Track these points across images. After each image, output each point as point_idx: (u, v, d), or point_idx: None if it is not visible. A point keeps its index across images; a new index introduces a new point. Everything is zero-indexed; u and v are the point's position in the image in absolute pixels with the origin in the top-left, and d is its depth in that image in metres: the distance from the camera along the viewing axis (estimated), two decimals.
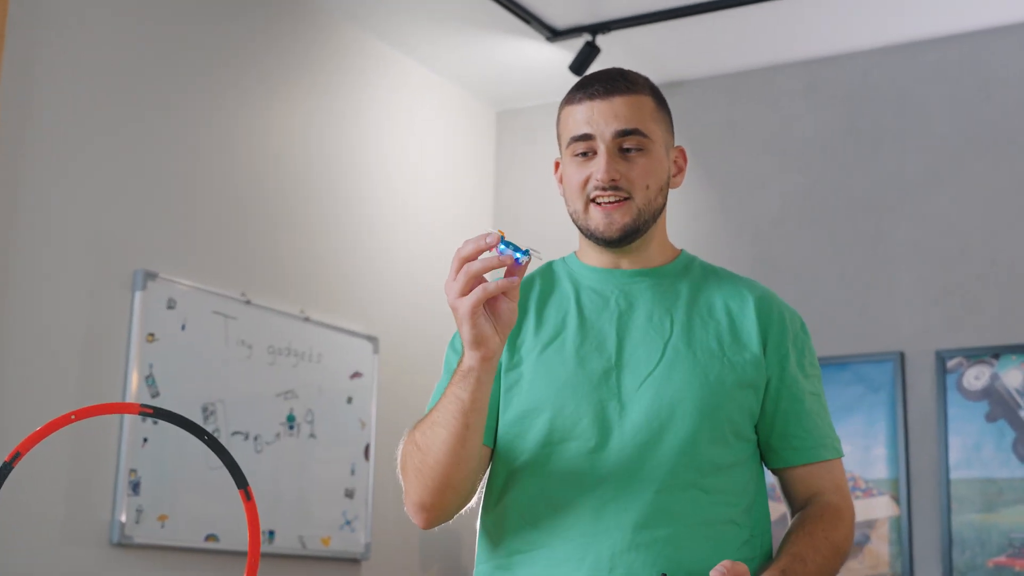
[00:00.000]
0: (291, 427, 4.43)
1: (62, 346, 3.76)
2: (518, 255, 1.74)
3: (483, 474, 1.99)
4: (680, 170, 2.08)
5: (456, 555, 5.17)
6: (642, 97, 2.01)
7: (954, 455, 4.56)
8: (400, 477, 1.95)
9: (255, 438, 4.29)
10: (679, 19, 4.81)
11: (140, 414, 1.79)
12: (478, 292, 1.74)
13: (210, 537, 4.07)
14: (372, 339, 4.83)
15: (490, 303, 1.77)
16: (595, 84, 2.00)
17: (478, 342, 1.78)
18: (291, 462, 4.43)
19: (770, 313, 2.02)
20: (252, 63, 4.53)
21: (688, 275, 2.06)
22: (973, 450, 4.54)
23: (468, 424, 1.84)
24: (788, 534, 1.95)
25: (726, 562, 1.76)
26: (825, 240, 4.98)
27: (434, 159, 5.38)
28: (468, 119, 5.61)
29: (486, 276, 1.76)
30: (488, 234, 1.73)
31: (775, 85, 5.23)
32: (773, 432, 2.01)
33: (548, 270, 2.11)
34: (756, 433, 2.02)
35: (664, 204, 2.03)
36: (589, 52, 4.89)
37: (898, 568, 4.57)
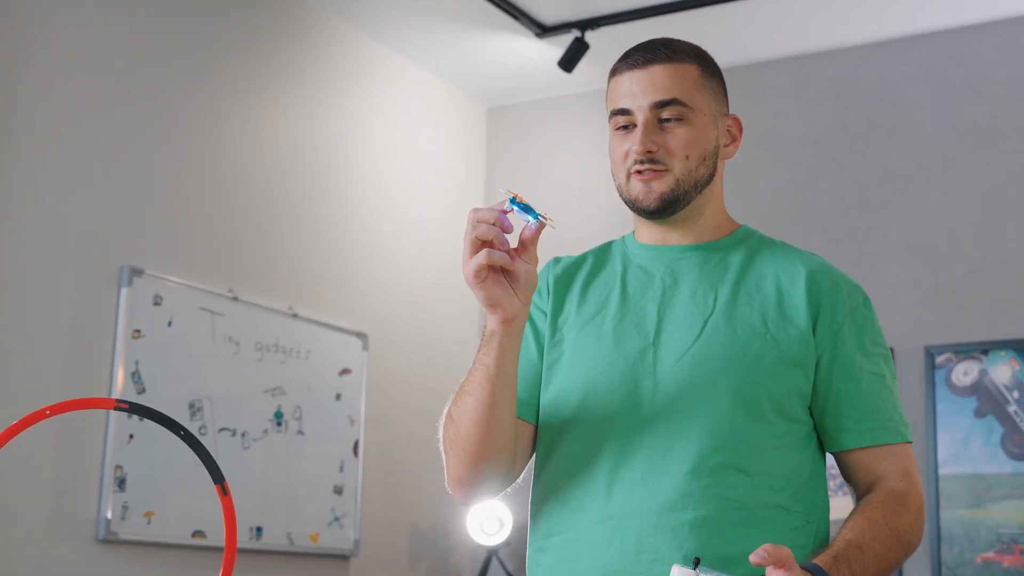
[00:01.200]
0: (279, 424, 4.43)
1: (48, 342, 3.75)
2: (530, 217, 1.74)
3: (524, 451, 1.95)
4: (734, 139, 2.02)
5: (445, 551, 5.17)
6: (685, 65, 1.94)
7: (943, 451, 4.56)
8: (442, 454, 1.93)
9: (243, 435, 4.28)
10: (667, 15, 4.81)
11: (116, 409, 1.78)
12: (480, 257, 1.74)
13: (197, 533, 4.06)
14: (361, 335, 4.82)
15: (505, 269, 1.77)
16: (636, 54, 1.95)
17: (492, 304, 1.77)
18: (279, 459, 4.42)
19: (822, 287, 1.91)
20: (241, 60, 4.52)
21: (742, 249, 1.98)
22: (962, 446, 4.54)
23: (494, 391, 1.81)
24: (847, 520, 1.84)
25: (767, 546, 1.62)
26: (815, 236, 4.97)
27: (424, 155, 5.37)
28: (458, 115, 5.60)
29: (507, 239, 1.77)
30: (502, 201, 1.74)
31: (765, 81, 5.22)
32: (827, 413, 1.89)
33: (605, 249, 2.07)
34: (811, 414, 1.91)
35: (711, 174, 1.96)
36: (578, 48, 4.88)
37: None
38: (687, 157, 1.92)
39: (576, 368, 1.93)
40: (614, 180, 1.99)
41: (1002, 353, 4.54)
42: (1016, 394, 4.49)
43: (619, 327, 1.93)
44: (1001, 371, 4.53)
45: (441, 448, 1.92)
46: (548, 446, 1.94)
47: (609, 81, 2.00)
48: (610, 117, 1.97)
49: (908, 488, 1.87)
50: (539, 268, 1.88)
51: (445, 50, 5.21)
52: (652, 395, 1.86)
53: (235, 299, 4.31)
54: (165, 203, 4.17)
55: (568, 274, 2.03)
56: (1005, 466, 4.47)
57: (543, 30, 4.95)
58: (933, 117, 4.87)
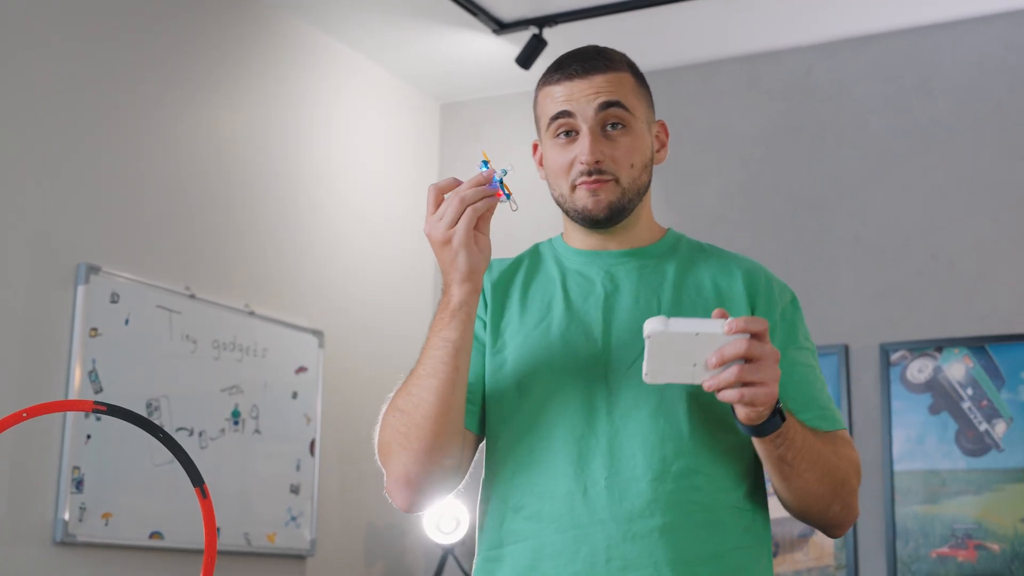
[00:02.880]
0: (236, 423, 4.39)
1: (3, 341, 3.69)
2: (497, 180, 1.78)
3: (468, 457, 1.93)
4: (663, 145, 2.04)
5: (400, 551, 5.15)
6: (621, 74, 1.97)
7: (898, 447, 4.61)
8: (380, 462, 1.89)
9: (200, 434, 4.24)
10: (624, 13, 4.81)
11: (94, 411, 1.75)
12: (469, 214, 1.75)
13: (155, 535, 4.02)
14: (317, 333, 4.79)
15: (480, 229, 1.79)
16: (573, 63, 1.96)
17: (473, 271, 1.78)
18: (236, 458, 4.38)
19: (757, 285, 1.97)
20: (195, 57, 4.47)
21: (675, 254, 2.01)
22: (916, 442, 4.59)
23: (458, 367, 1.81)
24: None
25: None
26: (766, 236, 5.00)
27: (378, 153, 5.35)
28: (412, 112, 5.58)
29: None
30: (483, 171, 1.76)
31: (716, 80, 5.24)
32: None
33: (534, 252, 2.06)
34: None
35: (649, 181, 1.99)
36: (536, 45, 4.88)
37: (843, 559, 4.61)
38: (632, 165, 1.94)
39: (524, 375, 1.91)
40: (552, 190, 1.99)
41: (956, 351, 4.59)
42: (970, 391, 4.54)
43: (567, 333, 1.92)
44: (955, 368, 4.58)
45: (378, 458, 1.89)
46: (497, 454, 1.93)
47: (540, 91, 2.01)
48: (548, 124, 1.96)
49: (850, 452, 1.91)
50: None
51: (400, 46, 5.18)
52: (607, 402, 1.87)
53: (192, 297, 4.27)
54: (122, 200, 4.12)
55: (505, 279, 2.02)
56: (959, 462, 4.52)
57: (500, 27, 4.93)
58: (884, 117, 4.91)
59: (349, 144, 5.16)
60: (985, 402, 4.52)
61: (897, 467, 4.59)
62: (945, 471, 4.53)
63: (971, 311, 4.62)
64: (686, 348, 1.67)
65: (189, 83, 4.43)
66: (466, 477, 1.95)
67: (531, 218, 5.21)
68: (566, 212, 1.99)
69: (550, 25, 4.88)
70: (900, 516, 4.55)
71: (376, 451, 1.90)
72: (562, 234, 2.07)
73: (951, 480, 4.52)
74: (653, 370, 1.70)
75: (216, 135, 4.52)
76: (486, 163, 1.77)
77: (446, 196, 1.79)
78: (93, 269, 3.91)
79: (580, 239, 2.02)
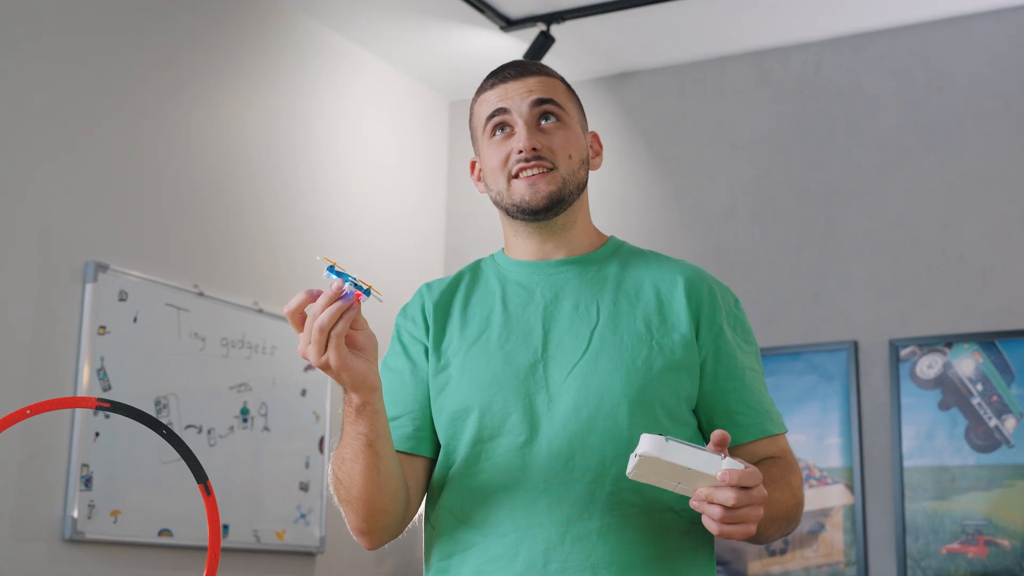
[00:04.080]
0: (245, 420, 4.39)
1: (12, 339, 3.70)
2: (347, 285, 1.69)
3: (420, 485, 1.97)
4: (597, 153, 2.06)
5: (411, 548, 5.15)
6: (553, 79, 2.01)
7: (907, 443, 4.59)
8: (338, 506, 1.94)
9: (208, 431, 4.24)
10: (632, 9, 4.80)
11: (97, 408, 1.76)
12: (334, 341, 1.68)
13: (164, 532, 4.02)
14: None
15: (349, 341, 1.72)
16: (506, 69, 2.01)
17: (362, 381, 1.74)
18: (245, 456, 4.39)
19: (700, 292, 1.97)
20: (204, 55, 4.48)
21: (616, 260, 2.02)
22: (926, 438, 4.57)
23: (378, 452, 1.82)
24: None
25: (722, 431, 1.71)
26: (777, 231, 4.99)
27: (387, 150, 5.35)
28: (421, 109, 5.58)
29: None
30: (332, 283, 1.68)
31: (726, 76, 5.23)
32: (715, 411, 1.95)
33: (475, 268, 2.08)
34: (696, 415, 1.97)
35: (586, 181, 2.01)
36: (544, 42, 4.88)
37: (852, 556, 4.60)
38: (570, 156, 1.97)
39: (467, 389, 1.93)
40: (489, 192, 2.01)
41: (966, 346, 4.58)
42: (980, 387, 4.53)
43: (506, 344, 1.94)
44: (965, 364, 4.57)
45: (336, 502, 1.93)
46: (445, 469, 1.95)
47: (474, 102, 2.03)
48: (484, 124, 1.99)
49: (794, 462, 1.96)
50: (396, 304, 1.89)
51: (408, 43, 5.18)
52: (547, 408, 1.89)
53: (201, 295, 4.27)
54: (130, 198, 4.12)
55: (444, 299, 2.03)
56: (969, 458, 4.50)
57: (508, 23, 4.93)
58: (894, 113, 4.90)
59: (358, 141, 5.17)
60: (995, 398, 4.51)
61: (907, 463, 4.58)
62: (955, 467, 4.52)
63: (981, 306, 4.61)
64: (675, 471, 1.68)
65: (198, 81, 4.43)
66: (423, 502, 1.99)
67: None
68: (505, 210, 2.00)
69: (557, 22, 4.88)
70: (910, 512, 4.54)
71: (333, 497, 1.94)
72: (503, 248, 2.08)
73: (961, 476, 4.51)
74: (638, 475, 1.71)
75: (225, 133, 4.52)
76: (332, 268, 1.70)
77: (307, 312, 1.72)
78: (101, 267, 3.92)
79: (521, 248, 2.03)
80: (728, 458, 1.67)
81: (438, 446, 1.98)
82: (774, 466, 1.91)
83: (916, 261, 4.74)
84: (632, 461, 1.69)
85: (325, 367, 1.71)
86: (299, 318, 1.71)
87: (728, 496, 1.66)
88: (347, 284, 1.69)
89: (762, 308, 4.83)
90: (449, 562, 1.92)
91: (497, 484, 1.88)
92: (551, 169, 1.94)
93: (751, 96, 5.16)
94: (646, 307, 1.95)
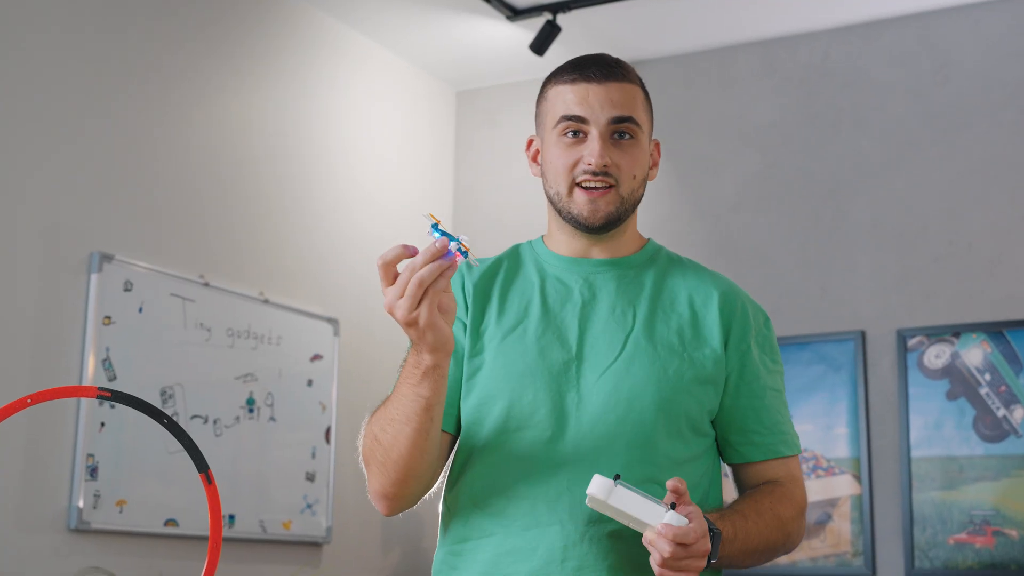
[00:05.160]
0: (251, 410, 4.39)
1: (17, 330, 3.70)
2: (453, 243, 1.69)
3: (443, 461, 1.98)
4: (655, 163, 2.07)
5: (417, 538, 5.15)
6: (635, 87, 2.00)
7: (915, 433, 4.58)
8: (362, 467, 1.94)
9: (214, 422, 4.24)
10: None
11: (98, 398, 1.75)
12: (431, 296, 1.70)
13: (169, 522, 4.03)
14: (332, 321, 4.79)
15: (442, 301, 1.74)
16: (591, 67, 1.98)
17: (444, 343, 1.76)
18: (251, 446, 4.39)
19: (733, 308, 2.00)
20: (208, 45, 4.47)
21: (654, 266, 2.04)
22: (934, 428, 4.56)
23: (432, 418, 1.84)
24: (733, 502, 1.96)
25: (678, 479, 1.76)
26: (785, 222, 4.98)
27: (393, 140, 5.34)
28: (427, 99, 5.57)
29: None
30: (435, 240, 1.68)
31: (733, 66, 5.21)
32: (732, 427, 1.99)
33: (514, 254, 2.08)
34: (714, 428, 2.00)
35: (643, 195, 2.02)
36: (550, 31, 4.86)
37: (860, 546, 4.59)
38: (634, 176, 1.98)
39: (499, 378, 1.94)
40: (547, 187, 2.01)
41: (974, 336, 4.56)
42: (988, 376, 4.52)
43: (542, 339, 1.96)
44: (973, 354, 4.56)
45: (361, 464, 1.94)
46: (468, 454, 1.96)
47: (551, 87, 2.02)
48: (557, 122, 1.98)
49: (795, 489, 2.00)
50: None
51: (414, 33, 5.17)
52: (576, 408, 1.91)
53: (206, 285, 4.27)
54: (135, 188, 4.12)
55: (484, 282, 2.03)
56: (977, 448, 4.49)
57: (514, 13, 4.92)
58: (901, 103, 4.88)
59: (364, 132, 5.16)
60: (1003, 388, 4.49)
61: (914, 453, 4.56)
62: (963, 457, 4.51)
63: (989, 296, 4.59)
64: (620, 515, 1.76)
65: (203, 71, 4.42)
66: (442, 474, 2.00)
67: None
68: (558, 211, 2.01)
69: (564, 11, 4.86)
70: (917, 502, 4.53)
71: (359, 456, 1.95)
72: (543, 236, 2.09)
73: (968, 466, 4.49)
74: (594, 507, 1.78)
75: (230, 123, 4.51)
76: (436, 226, 1.71)
77: (400, 269, 1.73)
78: (106, 257, 3.92)
79: (564, 243, 2.04)
80: (671, 512, 1.72)
81: (460, 425, 1.99)
82: (769, 495, 1.96)
83: (923, 251, 4.72)
84: (587, 497, 1.77)
85: (412, 323, 1.72)
86: (391, 272, 1.71)
87: (665, 548, 1.71)
88: (453, 243, 1.69)
89: (769, 298, 4.81)
90: (463, 546, 1.93)
91: (520, 476, 1.90)
92: (613, 186, 1.95)
93: (758, 86, 5.14)
94: (680, 318, 1.98)
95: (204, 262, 4.31)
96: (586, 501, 1.77)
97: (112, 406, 3.85)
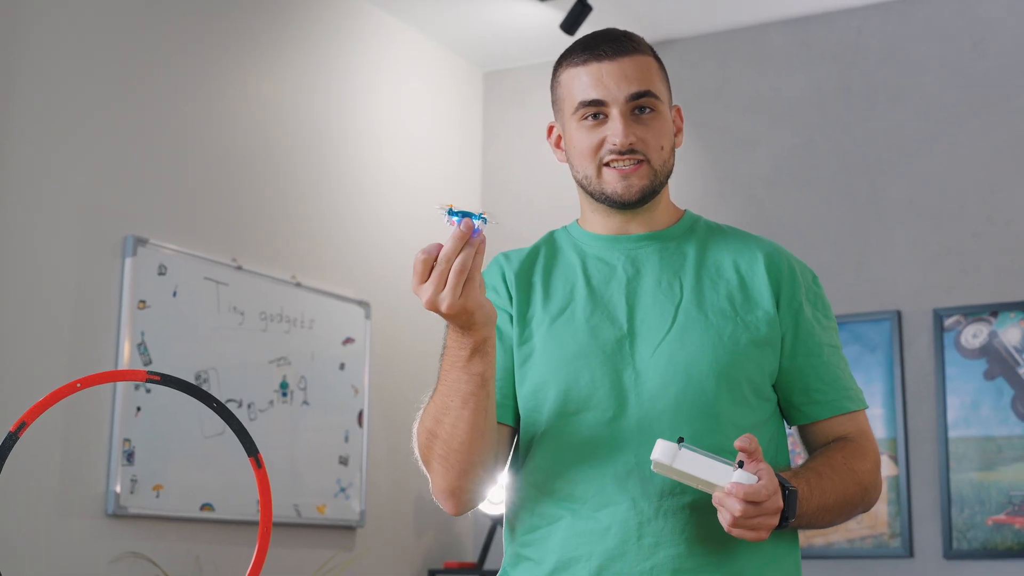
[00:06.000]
0: (284, 394, 4.38)
1: (53, 314, 3.69)
2: (476, 221, 1.67)
3: (504, 452, 1.96)
4: (679, 129, 2.04)
5: (449, 523, 5.14)
6: (647, 58, 1.97)
7: (952, 413, 4.54)
8: (423, 469, 1.91)
9: (249, 406, 4.23)
10: None
11: (148, 381, 1.73)
12: (475, 282, 1.68)
13: (205, 506, 4.02)
14: (364, 304, 4.77)
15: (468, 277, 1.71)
16: (601, 44, 1.95)
17: (489, 316, 1.74)
18: (285, 430, 4.37)
19: (780, 268, 1.98)
20: (240, 28, 4.45)
21: (694, 235, 2.01)
22: (972, 408, 4.52)
23: (489, 393, 1.81)
24: (805, 460, 1.94)
25: (750, 436, 1.73)
26: (820, 199, 4.94)
27: (421, 121, 5.31)
28: (455, 80, 5.54)
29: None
30: (458, 225, 1.66)
31: (767, 43, 5.17)
32: (794, 388, 1.96)
33: (549, 240, 2.06)
34: (775, 392, 1.97)
35: (673, 165, 2.00)
36: (581, 11, 4.81)
37: (897, 527, 4.55)
38: (661, 148, 1.95)
39: (553, 363, 1.92)
40: (575, 172, 1.99)
41: (1011, 315, 4.52)
42: None
43: (591, 319, 1.93)
44: (1011, 333, 4.51)
45: (421, 465, 1.91)
46: (528, 443, 1.94)
47: (563, 71, 1.99)
48: (576, 108, 1.95)
49: (867, 444, 1.96)
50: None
51: (443, 13, 5.14)
52: (635, 384, 1.89)
53: (239, 268, 4.25)
54: (168, 172, 4.10)
55: (524, 269, 2.01)
56: (1016, 428, 4.45)
57: None
58: (938, 78, 4.83)
59: (393, 113, 5.13)
60: None
61: (952, 433, 4.53)
62: (1001, 437, 4.47)
63: None
64: (686, 479, 1.74)
65: (234, 54, 4.40)
66: (506, 467, 1.98)
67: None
68: (590, 194, 1.98)
69: None
70: (955, 483, 4.49)
71: (418, 459, 1.92)
72: (577, 220, 2.07)
73: (1007, 446, 4.45)
74: (659, 472, 1.77)
75: (261, 106, 4.49)
76: (451, 211, 1.67)
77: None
78: (141, 241, 3.90)
79: (599, 223, 2.02)
80: (739, 471, 1.70)
81: (519, 416, 1.97)
82: (841, 450, 1.92)
83: (961, 228, 4.67)
84: (651, 463, 1.75)
85: (459, 311, 1.69)
86: (430, 267, 1.68)
87: (735, 507, 1.69)
88: (476, 221, 1.66)
89: None
90: (532, 536, 1.91)
91: (584, 458, 1.87)
92: (643, 161, 1.93)
93: (792, 63, 5.10)
94: (728, 284, 1.96)
95: (237, 245, 4.29)
96: (652, 467, 1.75)
97: (148, 390, 3.83)
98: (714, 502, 1.72)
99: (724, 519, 1.71)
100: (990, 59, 4.75)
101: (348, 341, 4.68)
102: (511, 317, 1.97)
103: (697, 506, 1.83)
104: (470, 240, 1.66)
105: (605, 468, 1.86)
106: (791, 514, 1.76)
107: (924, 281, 4.69)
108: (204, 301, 4.10)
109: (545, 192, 5.34)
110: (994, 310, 4.54)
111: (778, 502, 1.72)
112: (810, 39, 5.08)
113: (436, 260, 1.68)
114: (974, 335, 4.57)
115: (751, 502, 1.69)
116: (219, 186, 4.28)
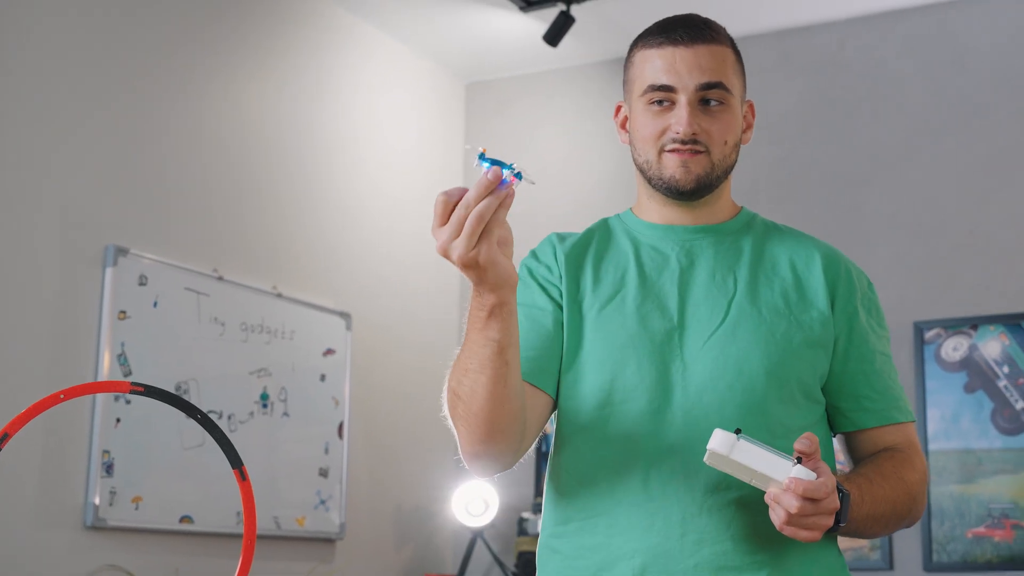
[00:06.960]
0: (264, 405, 4.36)
1: (32, 324, 3.66)
2: (505, 170, 1.57)
3: (538, 420, 1.89)
4: (749, 126, 1.99)
5: (429, 534, 5.12)
6: (725, 48, 1.91)
7: (932, 426, 4.55)
8: (451, 427, 1.84)
9: (229, 417, 4.21)
10: None
11: (131, 392, 1.72)
12: (492, 235, 1.60)
13: (185, 519, 3.99)
14: (345, 315, 4.76)
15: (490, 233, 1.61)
16: (678, 29, 1.89)
17: (505, 279, 1.65)
18: (265, 441, 4.35)
19: (838, 270, 1.93)
20: (220, 38, 4.43)
21: (751, 231, 1.98)
22: (952, 421, 4.53)
23: (507, 361, 1.72)
24: (853, 468, 1.88)
25: (811, 435, 1.67)
26: (800, 212, 4.94)
27: (403, 132, 5.30)
28: (437, 91, 5.53)
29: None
30: (486, 172, 1.57)
31: (748, 55, 5.11)
32: (842, 394, 1.91)
33: (603, 226, 2.02)
34: (824, 394, 1.92)
35: (735, 161, 1.95)
36: (564, 22, 4.82)
37: (877, 540, 4.56)
38: (725, 142, 1.90)
39: (600, 349, 1.88)
40: (636, 155, 1.94)
41: (992, 328, 4.53)
42: (1006, 369, 4.49)
43: (642, 307, 1.89)
44: (991, 346, 4.52)
45: (450, 423, 1.84)
46: (570, 428, 1.89)
47: (637, 52, 1.94)
48: (644, 91, 1.90)
49: (915, 456, 1.90)
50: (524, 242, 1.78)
51: (424, 24, 5.13)
52: (682, 377, 1.84)
53: (220, 279, 4.23)
54: (149, 182, 4.08)
55: (576, 251, 1.97)
56: (996, 441, 4.46)
57: (527, 3, 4.87)
58: (918, 92, 4.85)
59: (375, 124, 5.12)
60: (1022, 380, 4.46)
61: (932, 446, 4.54)
62: (981, 450, 4.48)
63: (1008, 287, 4.56)
64: (743, 471, 1.68)
65: (213, 64, 4.39)
66: (535, 440, 1.90)
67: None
68: (648, 179, 1.94)
69: (577, 1, 4.82)
70: (935, 496, 4.50)
71: (446, 416, 1.84)
72: (632, 208, 2.03)
73: (987, 459, 4.46)
74: (712, 464, 1.71)
75: (242, 117, 4.48)
76: (483, 156, 1.58)
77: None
78: (121, 251, 3.88)
79: (656, 212, 1.97)
80: (798, 466, 1.65)
81: (558, 388, 1.91)
82: (890, 459, 1.87)
83: (941, 242, 4.69)
84: (707, 453, 1.69)
85: (472, 263, 1.60)
86: (450, 210, 1.59)
87: (792, 504, 1.64)
88: (505, 171, 1.57)
89: None
90: (566, 528, 1.87)
91: (627, 450, 1.83)
92: (702, 152, 1.88)
93: (773, 76, 5.11)
94: (783, 282, 1.91)
95: (218, 256, 4.28)
96: (704, 458, 1.69)
97: (128, 401, 3.81)
98: (768, 498, 1.67)
99: (778, 516, 1.66)
100: (969, 73, 4.77)
101: (329, 352, 4.67)
102: (560, 294, 1.93)
103: (743, 502, 1.78)
104: (496, 191, 1.57)
105: (650, 461, 1.81)
106: (844, 518, 1.71)
107: (905, 294, 4.70)
108: (185, 312, 4.08)
109: (528, 204, 5.34)
110: (974, 323, 4.56)
111: (835, 502, 1.66)
112: (792, 53, 5.09)
113: (455, 204, 1.59)
114: (954, 348, 4.58)
115: (809, 499, 1.63)
116: (200, 196, 4.26)
